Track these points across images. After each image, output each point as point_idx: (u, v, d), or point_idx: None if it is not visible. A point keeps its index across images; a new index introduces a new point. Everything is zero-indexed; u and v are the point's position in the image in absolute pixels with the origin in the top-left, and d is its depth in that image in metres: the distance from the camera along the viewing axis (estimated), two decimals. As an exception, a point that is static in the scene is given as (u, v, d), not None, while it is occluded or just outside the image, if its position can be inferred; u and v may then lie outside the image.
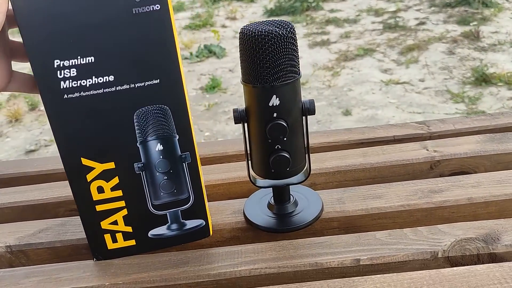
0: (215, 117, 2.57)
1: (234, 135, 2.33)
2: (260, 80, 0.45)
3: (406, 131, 0.69)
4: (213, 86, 2.95)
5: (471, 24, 3.35)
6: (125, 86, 0.42)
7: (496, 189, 0.52)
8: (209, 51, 3.74)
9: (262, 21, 0.46)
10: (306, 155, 0.51)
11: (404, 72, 2.75)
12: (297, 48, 0.46)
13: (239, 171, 0.63)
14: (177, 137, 0.46)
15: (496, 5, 3.65)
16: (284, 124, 0.46)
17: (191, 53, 3.64)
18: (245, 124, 0.49)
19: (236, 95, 2.80)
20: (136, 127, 0.44)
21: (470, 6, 3.71)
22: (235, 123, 0.49)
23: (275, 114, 0.46)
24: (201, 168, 0.49)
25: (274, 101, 0.46)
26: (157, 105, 0.44)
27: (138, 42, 0.41)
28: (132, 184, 0.47)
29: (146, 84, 0.43)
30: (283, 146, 0.48)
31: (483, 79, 2.37)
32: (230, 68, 3.30)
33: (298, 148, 0.49)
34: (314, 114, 0.49)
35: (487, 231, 0.46)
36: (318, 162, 0.62)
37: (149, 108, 0.44)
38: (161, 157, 0.46)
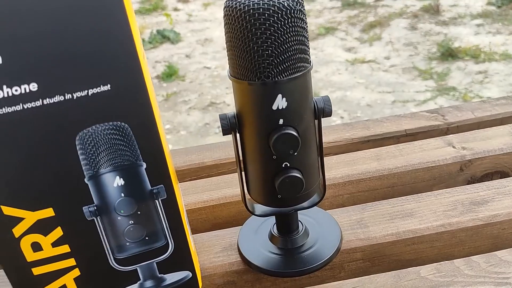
0: (175, 107, 2.40)
1: (197, 127, 2.17)
2: (259, 74, 0.31)
3: (418, 123, 0.57)
4: (170, 74, 2.76)
5: (429, -2, 3.32)
6: (57, 98, 0.28)
7: (552, 195, 0.42)
8: (163, 37, 3.52)
9: (256, -10, 0.33)
10: (320, 170, 0.38)
11: (368, 50, 2.67)
12: (307, 27, 0.33)
13: (223, 188, 0.50)
14: (144, 165, 0.32)
15: (452, -22, 3.64)
16: (295, 133, 0.33)
17: (143, 39, 3.42)
18: (237, 135, 0.36)
19: (195, 82, 2.63)
20: (81, 157, 0.30)
21: (426, -20, 3.68)
22: (224, 134, 0.35)
23: (281, 121, 0.33)
24: (181, 200, 0.35)
25: (280, 102, 0.32)
26: (111, 123, 0.30)
27: (71, 28, 0.26)
28: (83, 235, 0.32)
29: (89, 92, 0.28)
30: (293, 163, 0.35)
31: (449, 53, 2.33)
32: (186, 53, 3.12)
33: (312, 163, 0.36)
34: (331, 115, 0.36)
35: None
36: (323, 171, 0.50)
37: (98, 128, 0.29)
38: (122, 195, 0.32)
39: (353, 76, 2.37)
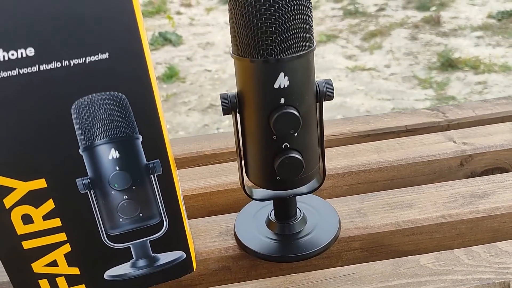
0: (175, 108, 2.39)
1: (196, 128, 2.17)
2: (261, 51, 0.31)
3: (419, 119, 0.57)
4: (171, 76, 2.76)
5: (430, 9, 3.34)
6: (54, 64, 0.27)
7: (553, 190, 0.42)
8: (165, 39, 3.52)
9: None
10: (320, 155, 0.38)
11: (368, 58, 2.68)
12: (311, 6, 0.32)
13: (221, 175, 0.49)
14: (141, 138, 0.31)
15: (453, -10, 3.66)
16: (296, 113, 0.32)
17: (145, 41, 3.42)
18: (237, 115, 0.35)
19: (195, 84, 2.63)
20: (76, 126, 0.29)
21: (428, -9, 3.71)
22: (224, 113, 0.35)
23: (282, 100, 0.32)
24: (177, 179, 0.34)
25: (282, 81, 0.32)
26: (107, 92, 0.29)
27: (74, -11, 0.26)
28: (75, 208, 0.32)
29: (87, 60, 0.28)
30: (293, 144, 0.34)
31: (449, 64, 2.34)
32: (188, 56, 3.12)
33: (312, 146, 0.36)
34: (332, 99, 0.35)
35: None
36: (322, 162, 0.49)
37: (94, 97, 0.29)
38: (117, 168, 0.31)
39: (353, 83, 2.37)
